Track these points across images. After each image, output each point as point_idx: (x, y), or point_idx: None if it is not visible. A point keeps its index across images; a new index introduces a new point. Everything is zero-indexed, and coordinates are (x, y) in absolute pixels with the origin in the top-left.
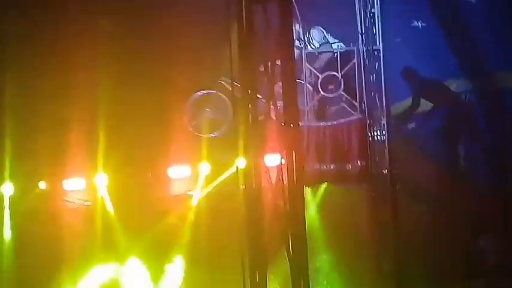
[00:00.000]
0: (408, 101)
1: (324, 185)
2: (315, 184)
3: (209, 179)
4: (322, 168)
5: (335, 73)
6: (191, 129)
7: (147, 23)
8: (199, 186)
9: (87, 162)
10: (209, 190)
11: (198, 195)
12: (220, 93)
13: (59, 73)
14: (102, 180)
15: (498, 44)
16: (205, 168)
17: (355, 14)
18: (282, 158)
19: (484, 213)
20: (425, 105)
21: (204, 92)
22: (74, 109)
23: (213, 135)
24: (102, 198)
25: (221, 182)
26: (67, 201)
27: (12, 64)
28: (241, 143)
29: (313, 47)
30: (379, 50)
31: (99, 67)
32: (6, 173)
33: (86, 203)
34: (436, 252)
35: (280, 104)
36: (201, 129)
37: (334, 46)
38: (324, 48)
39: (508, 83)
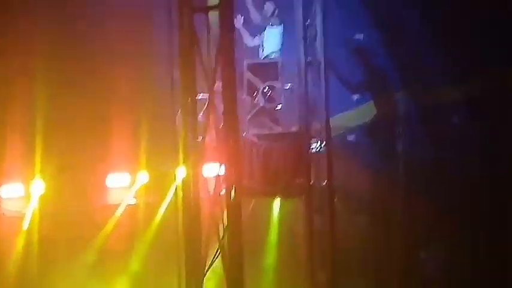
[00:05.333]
0: (348, 113)
1: (262, 197)
2: (253, 196)
3: (148, 188)
4: (261, 180)
5: (275, 83)
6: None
7: (88, 31)
8: (137, 195)
9: (24, 168)
10: (148, 200)
11: (135, 204)
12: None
13: None
14: (38, 187)
15: (440, 58)
16: (144, 177)
17: (297, 25)
18: (220, 169)
19: (425, 224)
20: (366, 116)
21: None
22: (12, 113)
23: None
24: (38, 206)
25: (160, 191)
26: (3, 209)
27: None
28: (181, 152)
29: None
30: (321, 61)
31: (38, 72)
32: None
33: (22, 211)
34: (375, 263)
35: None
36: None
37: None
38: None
39: (448, 97)
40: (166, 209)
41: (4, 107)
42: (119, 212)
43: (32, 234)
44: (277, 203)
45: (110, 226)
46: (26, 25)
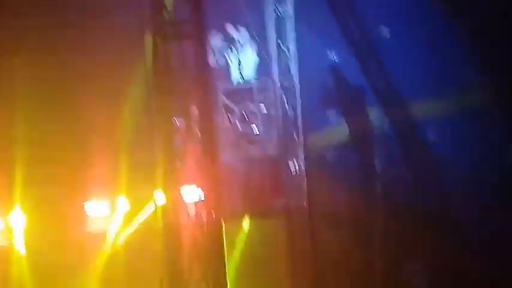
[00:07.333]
0: (325, 132)
1: (243, 220)
2: (234, 219)
3: (128, 215)
4: (242, 203)
5: (252, 106)
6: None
7: (64, 64)
8: (117, 223)
9: (2, 201)
10: (128, 227)
11: (116, 232)
12: None
13: None
14: (17, 219)
15: (412, 75)
16: (123, 204)
17: (271, 49)
18: (200, 194)
19: (405, 238)
20: (343, 134)
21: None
22: None
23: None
24: (17, 238)
25: (140, 218)
26: None
27: None
28: (158, 176)
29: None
30: (295, 84)
31: (17, 103)
32: None
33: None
34: (357, 279)
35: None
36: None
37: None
38: (241, 82)
39: (422, 113)
40: (145, 233)
41: None
42: (101, 240)
43: (12, 265)
44: (255, 224)
45: (90, 254)
46: (5, 61)
